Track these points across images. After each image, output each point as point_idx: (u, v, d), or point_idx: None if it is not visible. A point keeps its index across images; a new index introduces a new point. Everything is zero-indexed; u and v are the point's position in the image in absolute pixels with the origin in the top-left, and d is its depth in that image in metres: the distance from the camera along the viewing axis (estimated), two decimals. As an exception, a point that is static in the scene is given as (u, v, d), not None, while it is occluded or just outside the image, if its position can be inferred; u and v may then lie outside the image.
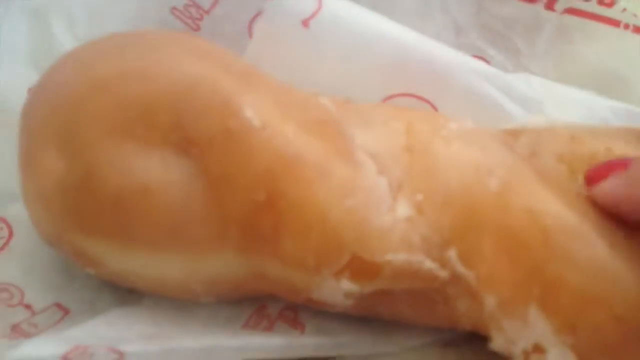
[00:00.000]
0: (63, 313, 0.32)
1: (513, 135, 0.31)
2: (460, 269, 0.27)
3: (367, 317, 0.31)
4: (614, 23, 0.37)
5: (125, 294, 0.32)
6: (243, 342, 0.29)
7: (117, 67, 0.29)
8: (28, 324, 0.31)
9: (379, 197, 0.28)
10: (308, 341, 0.30)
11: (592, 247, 0.26)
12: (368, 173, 0.28)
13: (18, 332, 0.30)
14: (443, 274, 0.28)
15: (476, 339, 0.30)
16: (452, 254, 0.27)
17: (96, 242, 0.29)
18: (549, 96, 0.34)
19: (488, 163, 0.28)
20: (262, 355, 0.30)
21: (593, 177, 0.27)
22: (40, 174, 0.29)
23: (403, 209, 0.28)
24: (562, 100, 0.34)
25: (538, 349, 0.26)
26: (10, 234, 0.33)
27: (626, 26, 0.37)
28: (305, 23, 0.33)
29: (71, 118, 0.29)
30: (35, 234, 0.31)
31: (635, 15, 0.37)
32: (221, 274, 0.29)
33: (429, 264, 0.27)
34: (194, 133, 0.28)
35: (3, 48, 0.36)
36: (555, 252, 0.26)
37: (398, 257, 0.27)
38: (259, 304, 0.32)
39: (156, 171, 0.28)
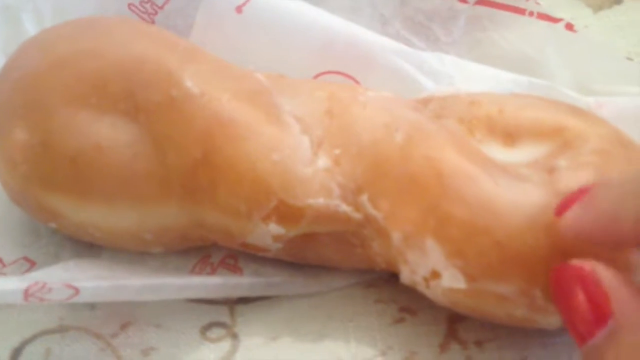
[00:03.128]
0: (30, 265, 0.36)
1: (423, 102, 0.37)
2: (371, 210, 0.32)
3: (297, 261, 0.36)
4: (520, 11, 0.43)
5: (87, 248, 0.37)
6: (186, 282, 0.34)
7: (74, 46, 0.34)
8: (-2, 273, 0.36)
9: (302, 152, 0.33)
10: (245, 281, 0.35)
11: (480, 186, 0.31)
12: (293, 133, 0.33)
13: (-13, 278, 0.35)
14: (357, 215, 0.33)
15: (392, 279, 0.35)
16: (364, 198, 0.32)
17: (56, 197, 0.33)
18: (459, 71, 0.40)
19: (396, 122, 0.33)
20: (204, 293, 0.35)
21: (560, 210, 0.29)
22: (7, 141, 0.33)
23: (323, 162, 0.33)
24: (470, 74, 0.40)
25: (435, 274, 0.31)
26: (-17, 201, 0.39)
27: (531, 13, 0.43)
28: (238, 9, 0.39)
29: (33, 91, 0.34)
30: (5, 200, 0.36)
31: (538, 4, 0.43)
32: (168, 224, 0.34)
33: (344, 207, 0.33)
34: (141, 101, 0.33)
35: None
36: (447, 191, 0.31)
37: (318, 201, 0.32)
38: (204, 254, 0.37)
39: (107, 133, 0.33)
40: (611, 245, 0.28)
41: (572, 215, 0.28)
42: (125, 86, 0.33)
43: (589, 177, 0.31)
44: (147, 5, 0.42)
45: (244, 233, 0.33)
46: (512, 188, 0.31)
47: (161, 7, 0.42)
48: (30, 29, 0.42)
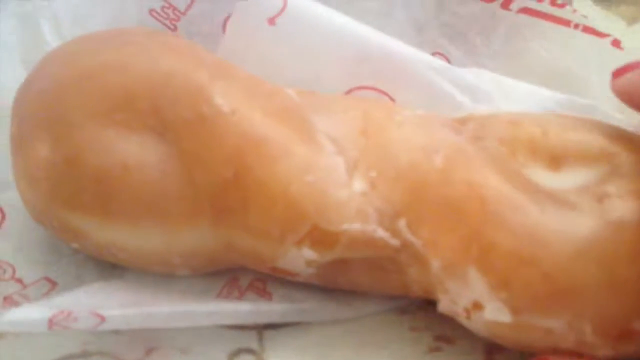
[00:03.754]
0: (51, 285, 0.36)
1: (461, 122, 0.35)
2: (409, 236, 0.31)
3: (329, 286, 0.35)
4: (565, 23, 0.41)
5: (109, 268, 0.36)
6: (214, 308, 0.33)
7: (100, 59, 0.33)
8: (19, 295, 0.35)
9: (337, 174, 0.32)
10: (275, 307, 0.34)
11: (525, 213, 0.30)
12: (327, 153, 0.32)
13: (9, 302, 0.34)
14: (394, 242, 0.32)
15: (427, 306, 0.34)
16: (401, 223, 0.31)
17: (80, 217, 0.33)
18: (498, 88, 0.38)
19: (435, 143, 0.32)
20: (232, 320, 0.34)
21: (617, 72, 0.30)
22: (29, 156, 0.33)
23: (358, 185, 0.32)
24: (509, 92, 0.38)
25: (477, 305, 0.30)
26: (3, 218, 0.37)
27: (576, 26, 0.41)
28: (271, 21, 0.37)
29: (57, 105, 0.33)
30: (26, 217, 0.35)
31: (585, 17, 0.41)
32: (196, 246, 0.33)
33: (381, 233, 0.31)
34: (170, 118, 0.32)
35: (-3, 49, 0.40)
36: (491, 218, 0.30)
37: (353, 226, 0.31)
38: (231, 276, 0.36)
39: (135, 151, 0.32)
40: None
41: (627, 77, 0.29)
42: (153, 102, 0.32)
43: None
44: (169, 11, 0.41)
45: (275, 257, 0.32)
46: (560, 216, 0.30)
47: (184, 13, 0.41)
48: (49, 36, 0.41)
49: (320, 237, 0.32)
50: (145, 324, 0.32)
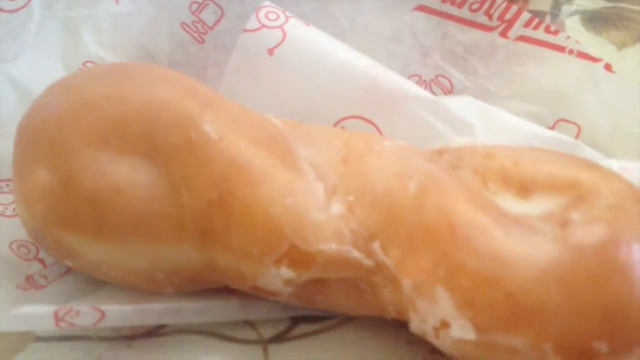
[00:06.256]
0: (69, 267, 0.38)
1: (439, 153, 0.37)
2: (382, 257, 0.33)
3: (307, 306, 0.36)
4: (560, 49, 0.43)
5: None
6: (204, 305, 0.36)
7: (98, 90, 0.35)
8: (39, 275, 0.38)
9: (316, 198, 0.34)
10: (264, 304, 0.36)
11: (491, 237, 0.31)
12: (308, 179, 0.34)
13: (30, 282, 0.37)
14: (368, 262, 0.33)
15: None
16: (375, 245, 0.33)
17: (74, 236, 0.34)
18: (482, 120, 0.40)
19: (410, 171, 0.34)
20: (222, 316, 0.36)
21: None
22: (28, 180, 0.35)
23: (336, 208, 0.33)
24: (493, 125, 0.40)
25: (444, 324, 0.31)
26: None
27: (571, 51, 0.42)
28: (270, 51, 0.39)
29: (56, 133, 0.35)
30: None
31: (578, 42, 0.42)
32: (181, 264, 0.35)
33: (356, 254, 0.33)
34: (160, 144, 0.34)
35: (40, 47, 0.43)
36: (459, 241, 0.31)
37: (329, 247, 0.33)
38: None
39: (126, 174, 0.34)
40: None
41: None
42: (145, 129, 0.34)
43: (602, 232, 0.31)
44: (199, 25, 0.44)
45: (255, 276, 0.34)
46: (524, 240, 0.32)
47: (211, 28, 0.44)
48: (89, 41, 0.45)
49: (298, 257, 0.33)
50: (141, 320, 0.35)
